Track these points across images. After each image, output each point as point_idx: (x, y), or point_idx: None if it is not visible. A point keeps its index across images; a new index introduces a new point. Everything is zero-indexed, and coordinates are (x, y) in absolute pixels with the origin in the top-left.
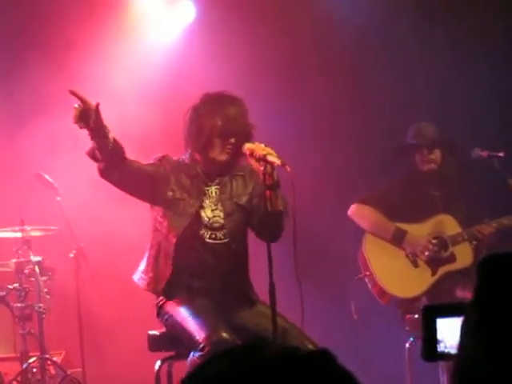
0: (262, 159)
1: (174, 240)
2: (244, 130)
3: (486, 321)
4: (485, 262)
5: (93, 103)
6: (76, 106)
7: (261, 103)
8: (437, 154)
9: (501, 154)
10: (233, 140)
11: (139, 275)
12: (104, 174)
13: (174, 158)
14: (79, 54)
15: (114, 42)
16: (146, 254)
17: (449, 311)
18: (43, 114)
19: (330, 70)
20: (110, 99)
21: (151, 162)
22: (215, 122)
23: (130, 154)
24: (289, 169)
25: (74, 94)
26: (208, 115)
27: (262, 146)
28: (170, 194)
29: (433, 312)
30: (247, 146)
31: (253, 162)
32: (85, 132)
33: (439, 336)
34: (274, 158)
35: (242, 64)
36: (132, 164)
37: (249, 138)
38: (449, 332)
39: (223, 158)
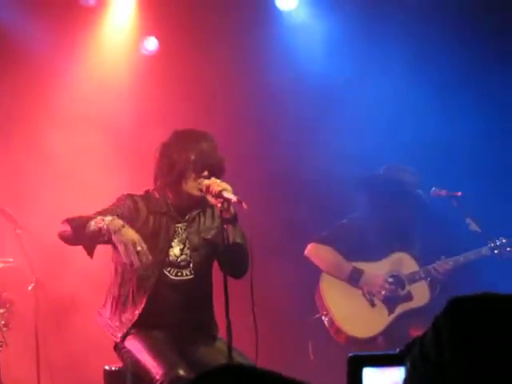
0: (218, 195)
1: (147, 293)
2: (217, 163)
3: (458, 363)
4: (454, 304)
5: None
6: None
7: (221, 140)
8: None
9: (459, 194)
10: (206, 173)
11: (105, 321)
12: (67, 242)
13: (141, 194)
14: (43, 86)
15: (76, 69)
16: (112, 300)
17: (376, 361)
18: (5, 146)
19: (294, 112)
20: (67, 126)
21: (115, 204)
22: (188, 156)
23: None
24: (245, 206)
25: None
26: (180, 150)
27: (218, 181)
28: (139, 249)
29: (360, 361)
30: (204, 182)
31: (209, 197)
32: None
33: None
34: (229, 195)
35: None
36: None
37: (221, 171)
38: (377, 382)
39: (196, 192)
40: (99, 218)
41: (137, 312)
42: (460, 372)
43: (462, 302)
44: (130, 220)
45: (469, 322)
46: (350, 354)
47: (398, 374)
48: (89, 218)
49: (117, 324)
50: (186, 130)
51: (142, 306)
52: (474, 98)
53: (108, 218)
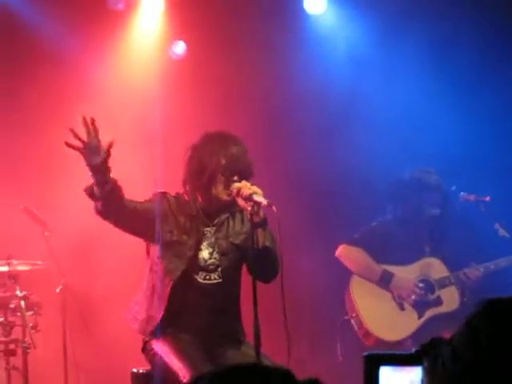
0: (248, 199)
1: (171, 283)
2: (246, 168)
3: (496, 365)
4: (490, 306)
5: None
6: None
7: (249, 143)
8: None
9: (487, 199)
10: (236, 178)
11: (132, 315)
12: (101, 213)
13: (173, 194)
14: (72, 89)
15: (104, 72)
16: (140, 295)
17: (393, 360)
18: (33, 148)
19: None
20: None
21: (148, 199)
22: (219, 160)
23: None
24: (275, 209)
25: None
26: (211, 153)
27: (248, 184)
28: (169, 235)
29: (376, 360)
30: (235, 185)
31: (239, 200)
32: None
33: None
34: (260, 198)
35: (228, 101)
36: (130, 204)
37: (250, 176)
38: (393, 381)
39: (225, 197)
40: None
41: (163, 307)
42: (498, 373)
43: (498, 304)
44: (163, 218)
45: (508, 325)
46: (366, 353)
47: (414, 373)
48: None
49: (144, 317)
50: (216, 132)
51: (166, 299)
52: (501, 99)
53: None
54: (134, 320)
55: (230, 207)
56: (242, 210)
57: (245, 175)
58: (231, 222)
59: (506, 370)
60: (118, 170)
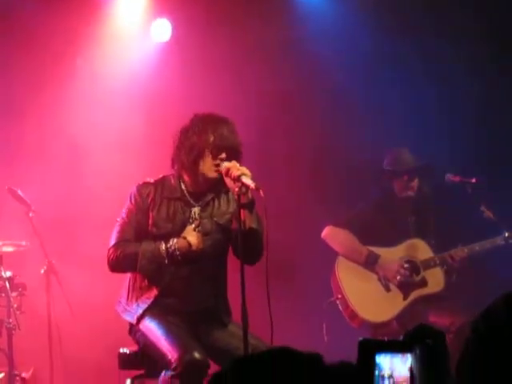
0: (237, 179)
1: (163, 280)
2: (235, 147)
3: None
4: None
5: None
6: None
7: (240, 124)
8: (415, 181)
9: (473, 180)
10: (223, 155)
11: (123, 307)
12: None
13: (157, 178)
14: (58, 69)
15: (90, 59)
16: (129, 286)
17: (388, 347)
18: (18, 129)
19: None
20: (82, 108)
21: (131, 212)
22: (208, 137)
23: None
24: (262, 193)
25: None
26: (201, 132)
27: (237, 165)
28: (154, 229)
29: (372, 347)
30: (224, 165)
31: (228, 180)
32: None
33: (389, 371)
34: (248, 180)
35: (219, 83)
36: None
37: (239, 156)
38: (395, 367)
39: (212, 174)
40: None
41: (153, 294)
42: None
43: None
44: (145, 210)
45: None
46: (361, 339)
47: (408, 360)
48: (136, 253)
49: (134, 308)
50: (205, 113)
51: (159, 288)
52: None
53: (162, 249)
54: (124, 312)
55: (216, 187)
56: (227, 191)
57: (233, 154)
58: (216, 203)
59: None
60: (105, 148)
